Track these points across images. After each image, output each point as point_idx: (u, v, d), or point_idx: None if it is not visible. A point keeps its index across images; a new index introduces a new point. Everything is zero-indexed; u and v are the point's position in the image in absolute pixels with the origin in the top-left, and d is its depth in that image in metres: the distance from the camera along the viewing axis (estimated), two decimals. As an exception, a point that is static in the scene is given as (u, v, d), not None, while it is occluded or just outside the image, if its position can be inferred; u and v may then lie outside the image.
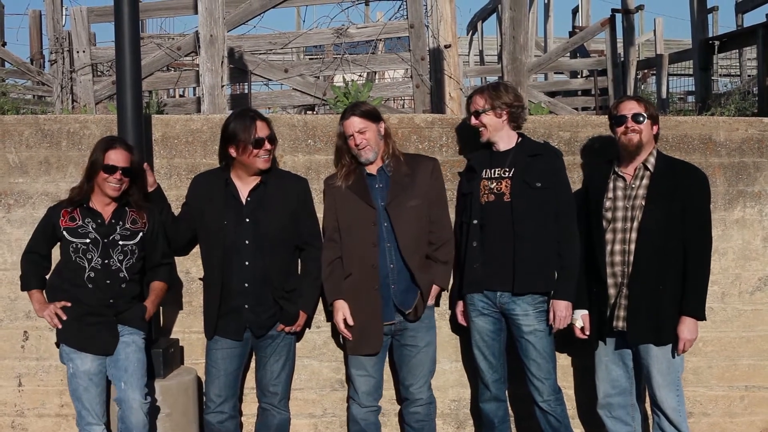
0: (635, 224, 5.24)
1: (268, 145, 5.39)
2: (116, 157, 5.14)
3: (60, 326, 5.17)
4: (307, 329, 6.06)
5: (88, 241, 5.17)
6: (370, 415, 5.65)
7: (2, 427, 6.09)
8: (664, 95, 17.30)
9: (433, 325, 5.69)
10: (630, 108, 5.26)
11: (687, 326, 5.19)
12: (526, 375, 5.46)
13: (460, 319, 5.76)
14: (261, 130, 5.37)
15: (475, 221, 5.45)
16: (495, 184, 5.43)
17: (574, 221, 5.42)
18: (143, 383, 5.17)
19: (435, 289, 5.60)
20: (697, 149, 6.07)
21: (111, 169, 5.13)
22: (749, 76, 17.97)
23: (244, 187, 5.50)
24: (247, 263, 5.43)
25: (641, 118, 5.21)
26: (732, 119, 6.28)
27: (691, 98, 18.31)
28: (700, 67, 14.49)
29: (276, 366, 5.60)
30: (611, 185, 5.37)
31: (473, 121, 5.49)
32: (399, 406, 5.99)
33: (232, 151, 5.42)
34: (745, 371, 6.26)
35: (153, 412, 5.37)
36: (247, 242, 5.43)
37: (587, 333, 5.47)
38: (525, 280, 5.33)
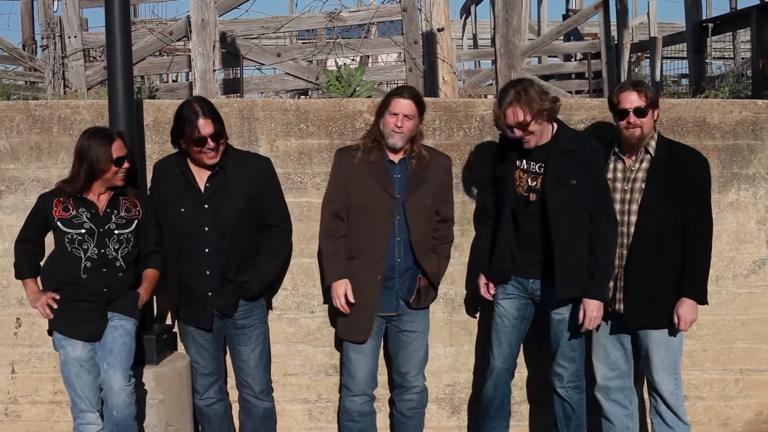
0: (634, 207, 5.22)
1: (211, 143, 5.25)
2: (120, 147, 5.11)
3: (51, 316, 5.14)
4: (301, 315, 6.06)
5: (83, 231, 5.13)
6: (363, 406, 5.60)
7: (-4, 415, 6.09)
8: (657, 78, 17.29)
9: (428, 312, 5.70)
10: (631, 101, 5.13)
11: (686, 307, 5.18)
12: (553, 359, 5.47)
13: (483, 291, 5.66)
14: (204, 128, 5.21)
15: (509, 212, 5.38)
16: (531, 177, 5.31)
17: (610, 219, 5.23)
18: (127, 365, 5.09)
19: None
20: (691, 132, 6.05)
21: (120, 161, 5.10)
22: (743, 58, 17.97)
23: (202, 172, 5.40)
24: (207, 250, 5.37)
25: (643, 112, 5.14)
26: (726, 101, 6.27)
27: (684, 81, 18.27)
28: (693, 50, 14.47)
29: (252, 356, 5.58)
30: (611, 166, 5.35)
31: (518, 133, 5.17)
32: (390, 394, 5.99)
33: (183, 144, 5.33)
34: (740, 354, 6.27)
35: (141, 397, 5.31)
36: (206, 229, 5.36)
37: None
38: (564, 288, 5.22)
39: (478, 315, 6.13)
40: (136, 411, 5.15)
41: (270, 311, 5.84)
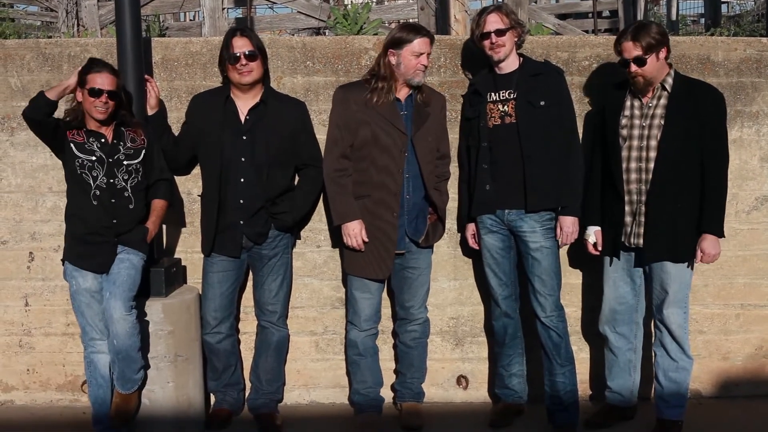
0: (653, 142, 5.27)
1: (244, 60, 5.43)
2: (102, 81, 5.16)
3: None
4: (308, 249, 6.15)
5: (94, 158, 5.22)
6: (368, 340, 5.73)
7: (10, 346, 6.22)
8: (674, 17, 17.10)
9: (431, 249, 5.81)
10: (630, 52, 5.20)
11: (709, 242, 5.26)
12: (530, 291, 5.56)
13: (471, 243, 5.84)
14: (238, 47, 5.44)
15: (485, 144, 5.50)
16: (502, 106, 5.46)
17: (577, 137, 5.54)
18: (128, 296, 5.18)
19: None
20: (695, 69, 6.05)
21: (96, 92, 5.15)
22: (764, -1, 17.74)
23: (244, 105, 5.56)
24: (242, 180, 5.51)
25: (642, 61, 5.18)
26: (730, 39, 6.27)
27: (703, 20, 18.07)
28: (710, -11, 14.29)
29: (274, 285, 5.72)
30: (628, 103, 5.40)
31: (495, 38, 5.40)
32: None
33: (225, 71, 5.55)
34: (741, 290, 6.33)
35: (145, 330, 5.43)
36: (243, 159, 5.50)
37: (599, 249, 5.55)
38: (536, 199, 5.40)
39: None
40: (139, 343, 5.26)
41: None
